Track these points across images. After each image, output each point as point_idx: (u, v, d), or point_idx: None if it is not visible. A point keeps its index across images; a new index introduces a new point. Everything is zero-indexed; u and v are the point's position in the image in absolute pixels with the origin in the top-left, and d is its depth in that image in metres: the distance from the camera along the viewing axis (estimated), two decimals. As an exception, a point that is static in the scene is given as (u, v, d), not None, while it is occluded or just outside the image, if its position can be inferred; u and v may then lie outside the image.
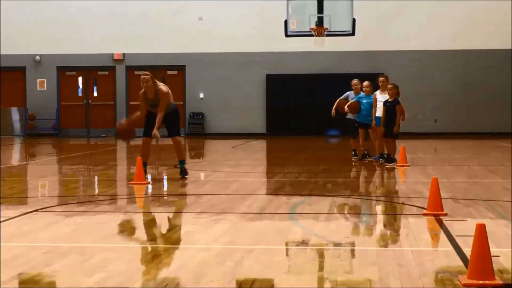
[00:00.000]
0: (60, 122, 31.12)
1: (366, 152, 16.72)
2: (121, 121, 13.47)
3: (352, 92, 16.98)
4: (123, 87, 31.03)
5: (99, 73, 31.16)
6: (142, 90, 12.76)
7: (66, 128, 31.15)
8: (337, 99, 17.23)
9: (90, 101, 31.27)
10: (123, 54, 30.70)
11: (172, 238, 7.25)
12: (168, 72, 30.93)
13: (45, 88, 31.17)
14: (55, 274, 5.70)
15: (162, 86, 12.71)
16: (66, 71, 31.15)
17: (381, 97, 15.98)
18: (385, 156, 15.94)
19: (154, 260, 6.15)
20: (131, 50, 30.63)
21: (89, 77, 31.26)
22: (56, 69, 31.09)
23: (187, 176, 12.99)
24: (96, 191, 12.10)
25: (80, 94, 31.37)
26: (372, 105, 16.15)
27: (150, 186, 12.11)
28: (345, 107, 16.60)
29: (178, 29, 30.22)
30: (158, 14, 30.30)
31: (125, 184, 12.41)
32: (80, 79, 31.34)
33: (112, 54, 30.74)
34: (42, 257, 6.26)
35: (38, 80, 31.20)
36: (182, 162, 13.19)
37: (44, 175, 14.35)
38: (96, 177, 14.33)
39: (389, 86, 15.72)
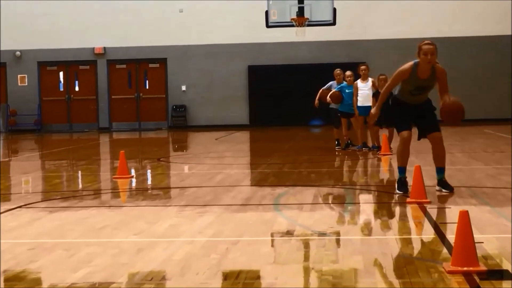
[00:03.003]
0: (42, 118, 31.01)
1: (349, 141, 16.77)
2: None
3: (335, 81, 17.04)
4: (104, 81, 30.93)
5: (80, 67, 31.05)
6: (410, 65, 9.16)
7: (48, 123, 31.05)
8: (319, 89, 17.30)
9: (72, 95, 31.16)
10: (104, 48, 30.60)
11: (157, 232, 7.25)
12: (150, 65, 30.87)
13: (26, 84, 31.05)
14: (40, 270, 5.69)
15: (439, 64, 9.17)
16: (47, 66, 31.04)
17: (362, 85, 16.06)
18: (368, 145, 16.05)
19: (139, 254, 6.15)
20: (112, 44, 30.53)
21: (70, 72, 31.14)
22: (37, 64, 30.97)
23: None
24: (80, 186, 12.07)
25: (61, 89, 31.29)
26: (353, 94, 16.21)
27: (134, 180, 12.09)
28: (327, 97, 16.64)
29: (159, 22, 30.15)
30: (139, 7, 30.21)
31: (108, 178, 12.39)
32: (61, 74, 31.23)
33: (93, 48, 30.64)
34: (26, 254, 6.24)
35: (19, 76, 31.07)
36: (443, 170, 9.61)
37: (27, 171, 14.30)
38: (79, 172, 14.28)
39: (381, 77, 15.84)
